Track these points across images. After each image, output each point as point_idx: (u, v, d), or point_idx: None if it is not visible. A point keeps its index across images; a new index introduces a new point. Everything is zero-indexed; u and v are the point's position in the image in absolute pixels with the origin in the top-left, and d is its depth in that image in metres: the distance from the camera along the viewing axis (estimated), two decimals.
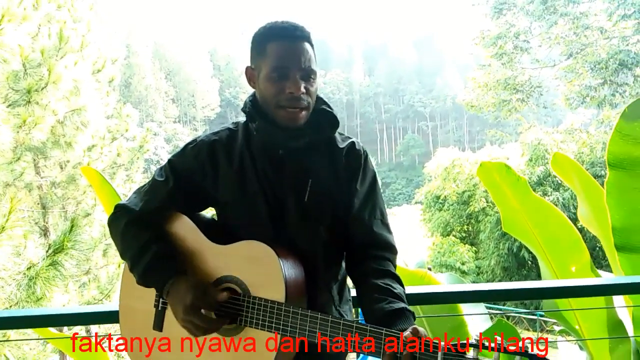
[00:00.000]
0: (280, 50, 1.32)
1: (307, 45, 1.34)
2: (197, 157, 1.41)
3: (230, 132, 1.44)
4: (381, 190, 1.49)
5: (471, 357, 1.06)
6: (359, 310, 1.45)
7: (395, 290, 1.29)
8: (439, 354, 1.07)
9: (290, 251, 1.31)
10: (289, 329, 1.22)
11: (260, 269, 1.28)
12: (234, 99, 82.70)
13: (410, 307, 1.29)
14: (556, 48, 18.58)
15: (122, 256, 1.42)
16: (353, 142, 1.46)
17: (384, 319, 1.21)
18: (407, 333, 1.12)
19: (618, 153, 2.54)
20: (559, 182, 15.97)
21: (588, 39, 17.45)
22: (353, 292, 1.55)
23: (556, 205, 14.70)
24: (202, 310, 1.26)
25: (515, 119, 20.62)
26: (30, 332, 4.30)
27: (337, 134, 1.46)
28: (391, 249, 1.41)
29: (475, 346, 1.06)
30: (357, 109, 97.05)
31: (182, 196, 1.42)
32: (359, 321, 1.21)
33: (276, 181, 1.37)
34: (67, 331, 6.70)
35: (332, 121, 1.43)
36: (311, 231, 1.37)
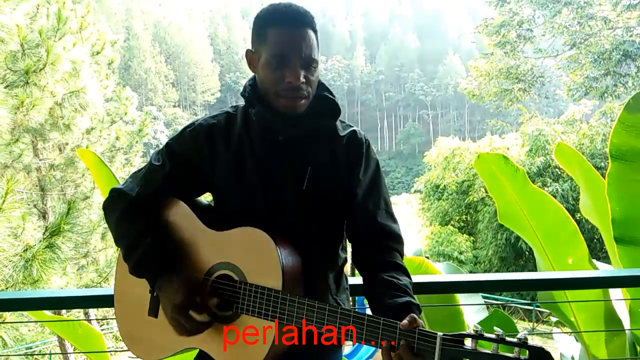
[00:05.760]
0: (281, 37, 1.27)
1: (309, 32, 1.30)
2: (195, 141, 1.39)
3: (228, 116, 1.42)
4: (384, 180, 1.47)
5: (469, 348, 1.05)
6: (356, 298, 1.44)
7: (400, 283, 1.28)
8: (437, 344, 1.06)
9: (287, 239, 1.30)
10: (285, 317, 1.21)
11: (257, 256, 1.27)
12: (234, 84, 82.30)
13: None
14: (559, 38, 18.43)
15: (116, 243, 1.40)
16: (354, 131, 1.43)
17: (388, 314, 1.19)
18: (405, 322, 1.11)
19: (620, 144, 2.52)
20: (559, 173, 15.96)
21: (592, 29, 17.30)
22: (351, 281, 1.54)
23: (555, 196, 14.73)
24: (191, 312, 1.25)
25: (516, 109, 20.54)
26: (27, 315, 4.32)
27: (338, 122, 1.43)
28: (396, 239, 1.39)
29: (473, 337, 1.05)
30: (358, 96, 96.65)
31: (179, 181, 1.40)
32: (357, 310, 1.20)
33: (274, 168, 1.35)
34: (65, 314, 6.73)
35: (333, 109, 1.40)
36: (308, 219, 1.35)
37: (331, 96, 1.40)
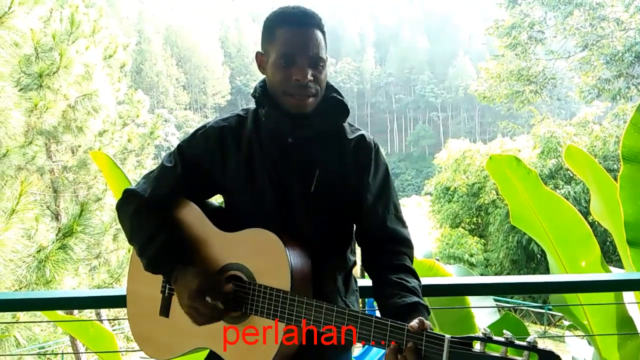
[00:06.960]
0: (288, 36, 1.30)
1: (316, 31, 1.31)
2: (206, 143, 1.40)
3: (239, 119, 1.43)
4: (394, 183, 1.47)
5: (478, 351, 1.04)
6: (366, 300, 1.44)
7: (409, 285, 1.28)
8: (445, 347, 1.06)
9: (296, 240, 1.30)
10: (294, 317, 1.22)
11: (266, 257, 1.27)
12: (244, 87, 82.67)
13: None
14: (571, 39, 18.29)
15: (130, 241, 1.42)
16: (363, 135, 1.43)
17: (396, 314, 1.19)
18: (413, 323, 1.10)
19: (633, 146, 2.50)
20: (571, 175, 15.81)
21: (604, 30, 17.14)
22: (360, 282, 1.54)
23: (567, 198, 14.59)
24: (207, 298, 1.25)
25: (527, 111, 20.38)
26: (40, 314, 4.37)
27: (347, 125, 1.43)
28: (406, 243, 1.39)
29: (482, 340, 1.04)
30: (367, 98, 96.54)
31: (190, 182, 1.42)
32: (365, 312, 1.20)
33: (283, 170, 1.36)
34: (77, 314, 6.79)
35: (342, 109, 1.40)
36: (317, 221, 1.36)
37: (340, 97, 1.41)
